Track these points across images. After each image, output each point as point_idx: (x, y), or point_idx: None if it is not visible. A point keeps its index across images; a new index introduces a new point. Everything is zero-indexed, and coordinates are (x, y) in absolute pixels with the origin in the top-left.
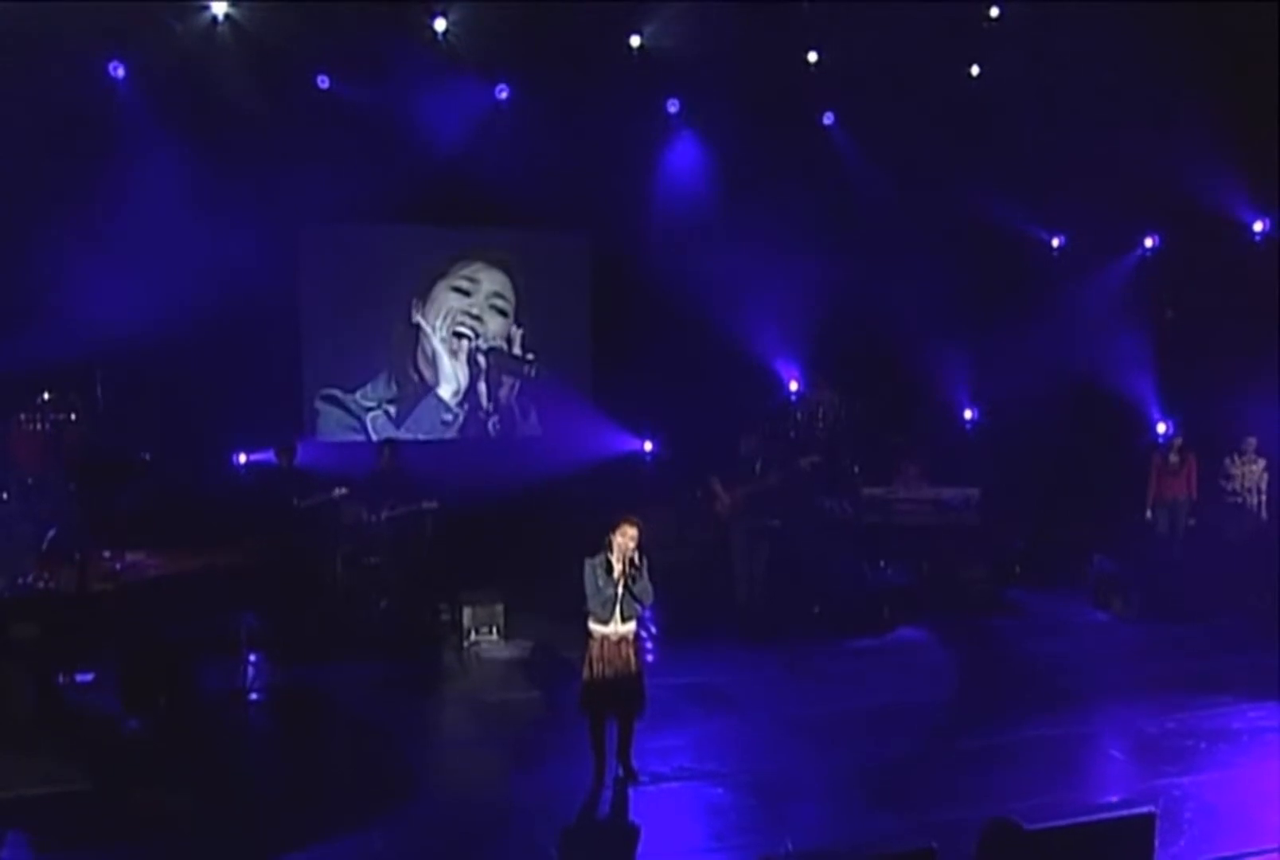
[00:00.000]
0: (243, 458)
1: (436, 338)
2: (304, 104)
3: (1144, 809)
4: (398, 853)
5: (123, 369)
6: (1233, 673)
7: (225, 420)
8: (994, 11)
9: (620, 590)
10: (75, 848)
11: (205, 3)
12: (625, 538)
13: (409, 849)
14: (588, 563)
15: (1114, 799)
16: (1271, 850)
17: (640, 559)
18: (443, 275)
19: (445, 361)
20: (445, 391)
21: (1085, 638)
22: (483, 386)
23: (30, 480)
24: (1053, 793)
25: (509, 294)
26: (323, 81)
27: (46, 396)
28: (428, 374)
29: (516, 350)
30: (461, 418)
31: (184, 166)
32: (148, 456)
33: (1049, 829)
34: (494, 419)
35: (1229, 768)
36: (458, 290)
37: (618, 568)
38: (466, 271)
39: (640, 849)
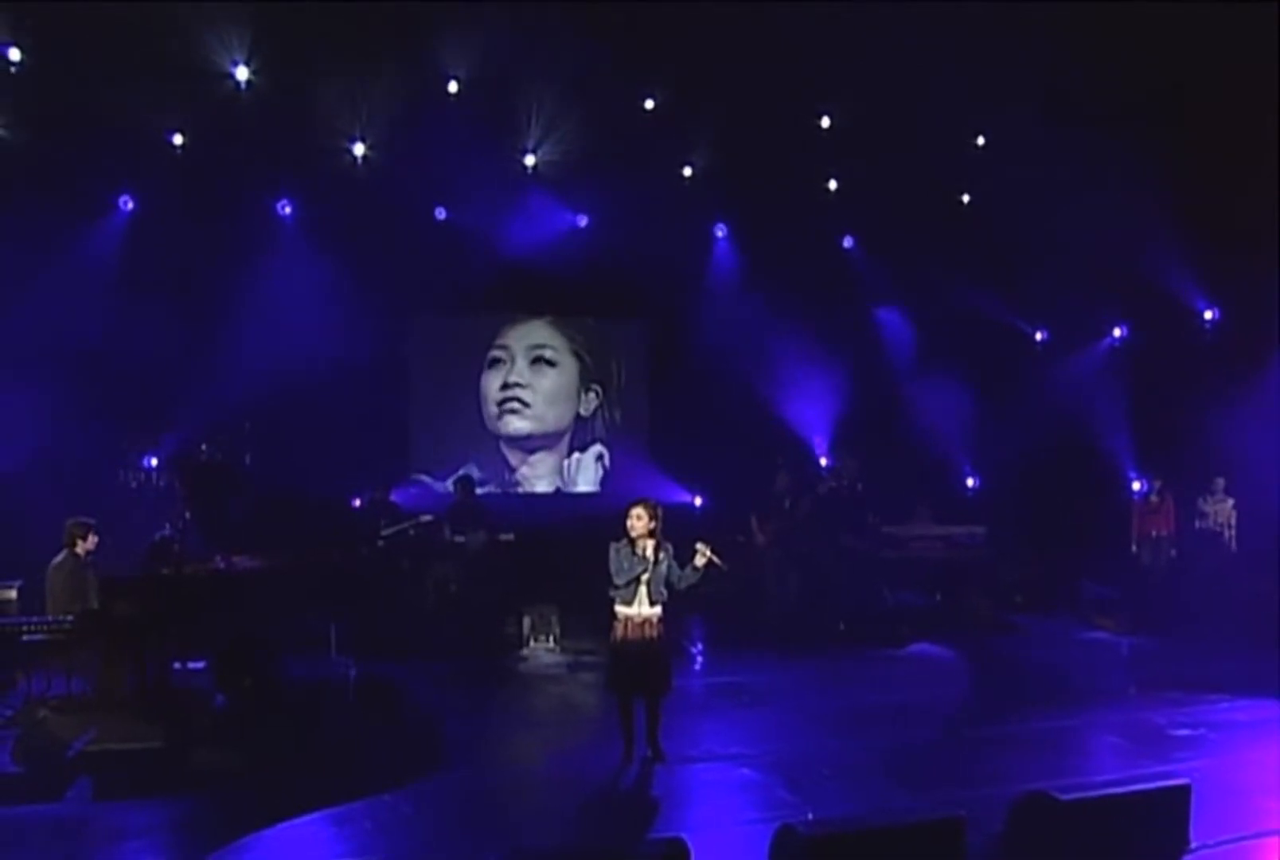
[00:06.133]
0: (357, 502)
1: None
2: (421, 225)
3: (1179, 781)
4: (426, 813)
5: (267, 427)
6: (1223, 676)
7: (345, 470)
8: (980, 140)
9: (647, 573)
10: (133, 795)
11: (348, 146)
12: (632, 519)
13: (439, 811)
14: (612, 546)
15: None
16: None
17: (664, 543)
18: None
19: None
20: (528, 471)
21: (1084, 650)
22: (569, 462)
23: (188, 514)
24: (1067, 776)
25: (554, 341)
26: (440, 213)
27: (204, 447)
28: (511, 455)
29: (593, 414)
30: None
31: (325, 273)
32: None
33: (1085, 799)
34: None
35: (1239, 753)
36: (494, 362)
37: (649, 548)
38: (499, 340)
39: (660, 821)
